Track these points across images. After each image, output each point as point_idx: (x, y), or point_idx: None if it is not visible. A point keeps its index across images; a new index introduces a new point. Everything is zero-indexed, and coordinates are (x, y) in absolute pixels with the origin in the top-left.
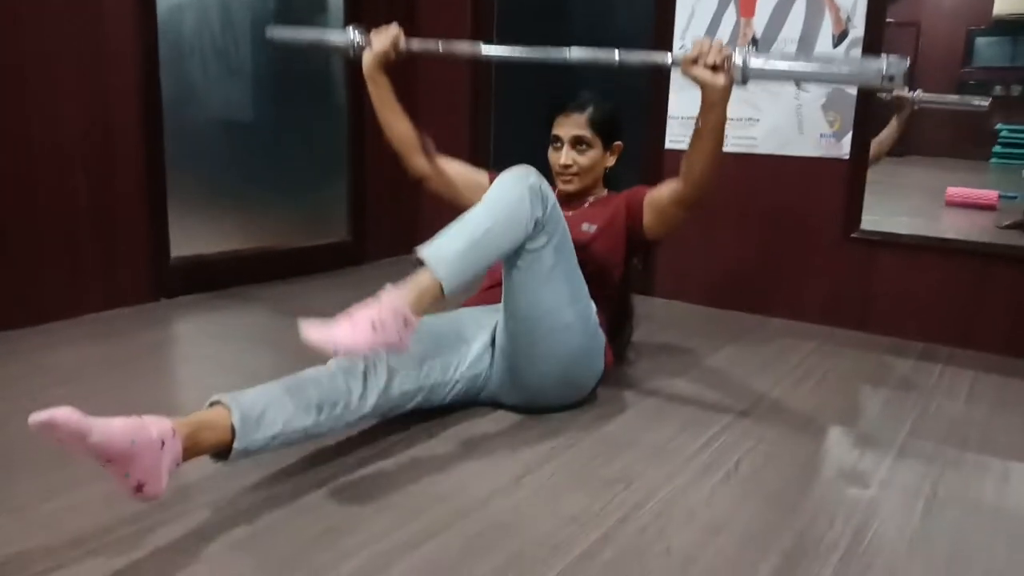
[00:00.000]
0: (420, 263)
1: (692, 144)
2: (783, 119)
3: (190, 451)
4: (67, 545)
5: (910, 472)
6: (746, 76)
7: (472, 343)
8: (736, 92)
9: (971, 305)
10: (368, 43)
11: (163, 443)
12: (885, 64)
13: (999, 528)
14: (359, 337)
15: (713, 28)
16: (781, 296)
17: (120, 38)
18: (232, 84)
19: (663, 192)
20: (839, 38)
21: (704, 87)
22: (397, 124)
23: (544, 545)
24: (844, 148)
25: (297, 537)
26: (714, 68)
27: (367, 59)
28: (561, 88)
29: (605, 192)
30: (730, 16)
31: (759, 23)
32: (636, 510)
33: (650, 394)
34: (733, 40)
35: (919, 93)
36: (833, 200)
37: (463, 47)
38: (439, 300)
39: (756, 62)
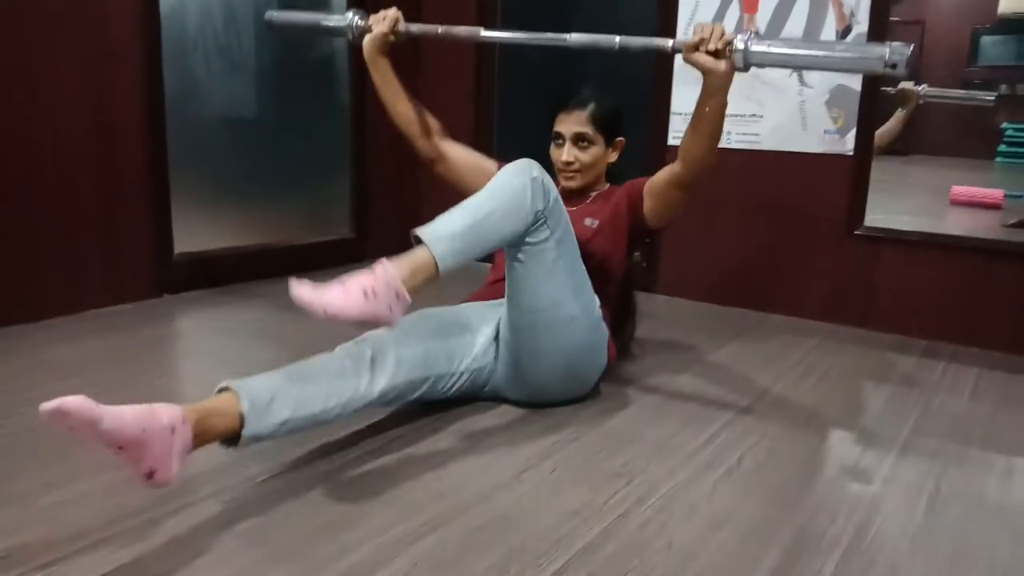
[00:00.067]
0: (418, 241)
1: (691, 127)
2: (787, 115)
3: (200, 438)
4: (70, 538)
5: (913, 468)
6: (748, 62)
7: (478, 336)
8: (740, 88)
9: (975, 302)
10: (368, 26)
11: (173, 430)
12: (888, 51)
13: (1002, 525)
14: (350, 303)
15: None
16: (783, 293)
17: (123, 35)
18: (235, 81)
19: (661, 176)
20: (843, 34)
21: (706, 73)
22: (401, 107)
23: (546, 539)
24: (848, 144)
25: (299, 530)
26: (715, 54)
27: (367, 43)
28: (564, 82)
29: (607, 187)
30: (733, 11)
31: (762, 18)
32: (638, 505)
33: (653, 390)
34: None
35: (925, 87)
36: (837, 197)
37: (463, 31)
38: (433, 278)
39: (758, 47)
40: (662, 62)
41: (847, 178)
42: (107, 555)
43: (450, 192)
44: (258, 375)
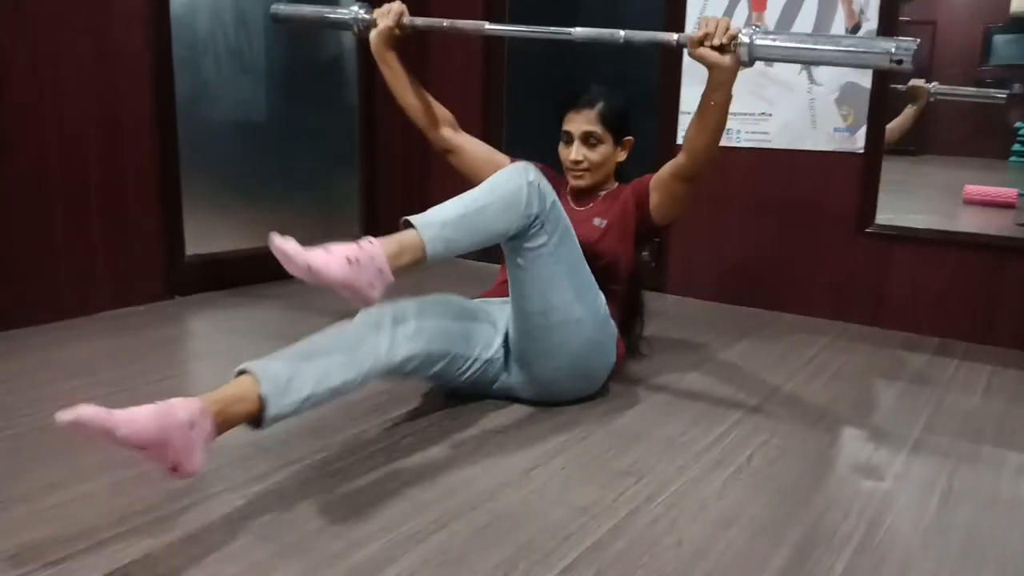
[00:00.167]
0: (408, 226)
1: (696, 119)
2: (796, 113)
3: (223, 425)
4: (78, 535)
5: (925, 466)
6: (753, 56)
7: (493, 328)
8: (749, 87)
9: (988, 300)
10: (373, 20)
11: (192, 424)
12: (894, 45)
13: (1014, 521)
14: (332, 265)
15: None
16: (794, 292)
17: (133, 37)
18: (245, 82)
19: (666, 169)
20: (852, 31)
21: (711, 68)
22: (411, 99)
23: (555, 536)
24: (858, 142)
25: (308, 527)
26: (720, 48)
27: (373, 37)
28: (573, 80)
29: (616, 186)
30: (742, 9)
31: (771, 16)
32: (647, 503)
33: (662, 388)
34: None
35: (936, 85)
36: (847, 195)
37: (468, 24)
38: (419, 261)
39: (763, 41)
40: (670, 61)
41: (858, 176)
42: (116, 552)
43: (460, 190)
44: (277, 352)
